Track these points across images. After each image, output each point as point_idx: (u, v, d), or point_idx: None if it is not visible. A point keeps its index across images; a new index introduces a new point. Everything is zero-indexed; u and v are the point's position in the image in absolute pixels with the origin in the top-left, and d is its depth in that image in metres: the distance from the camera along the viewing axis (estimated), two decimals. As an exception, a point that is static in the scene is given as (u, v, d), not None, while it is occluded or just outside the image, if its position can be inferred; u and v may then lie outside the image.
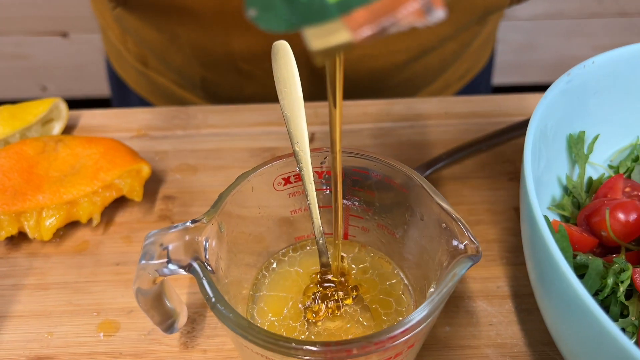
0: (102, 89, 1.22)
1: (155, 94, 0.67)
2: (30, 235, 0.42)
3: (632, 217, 0.35)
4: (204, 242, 0.29)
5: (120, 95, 0.73)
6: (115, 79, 0.72)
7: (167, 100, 0.66)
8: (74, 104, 1.23)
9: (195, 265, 0.28)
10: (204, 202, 0.45)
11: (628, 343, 0.24)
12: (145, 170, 0.44)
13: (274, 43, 0.33)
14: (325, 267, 0.34)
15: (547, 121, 0.34)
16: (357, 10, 0.19)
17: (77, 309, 0.39)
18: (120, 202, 0.45)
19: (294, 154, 0.33)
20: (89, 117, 0.53)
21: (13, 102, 1.28)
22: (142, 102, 0.69)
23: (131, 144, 0.50)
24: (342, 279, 0.34)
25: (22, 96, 1.21)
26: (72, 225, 0.44)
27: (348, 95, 0.59)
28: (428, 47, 0.57)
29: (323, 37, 0.18)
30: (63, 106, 0.51)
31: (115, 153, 0.43)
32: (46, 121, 0.50)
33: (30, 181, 0.42)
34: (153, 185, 0.46)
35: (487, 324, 0.37)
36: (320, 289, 0.33)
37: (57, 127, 0.50)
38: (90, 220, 0.43)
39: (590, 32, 1.17)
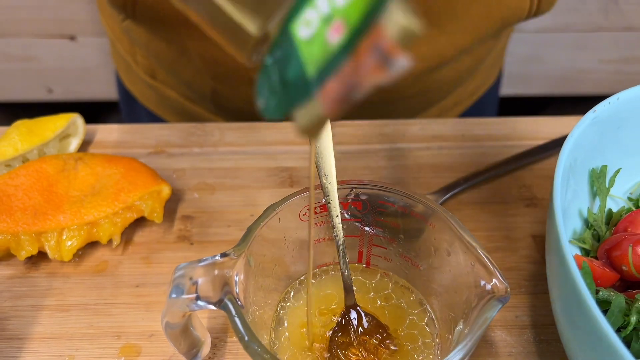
0: (108, 92, 1.22)
1: (164, 107, 0.67)
2: (50, 255, 0.42)
3: (653, 252, 0.35)
4: (235, 277, 0.29)
5: (130, 109, 0.73)
6: (124, 93, 0.72)
7: (176, 114, 0.66)
8: (79, 106, 1.23)
9: (227, 301, 0.28)
10: (223, 222, 0.46)
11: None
12: (166, 192, 0.44)
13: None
14: (349, 309, 0.34)
15: (575, 155, 0.35)
16: (330, 80, 0.20)
17: (98, 331, 0.39)
18: (139, 222, 0.45)
19: (321, 186, 0.33)
20: (106, 133, 0.53)
21: (19, 104, 1.28)
22: (151, 116, 0.69)
23: (148, 161, 0.50)
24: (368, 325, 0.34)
25: (28, 98, 1.21)
26: (91, 245, 0.44)
27: (360, 105, 0.59)
28: (445, 57, 0.56)
29: (306, 116, 0.20)
30: (80, 122, 0.51)
31: (136, 174, 0.43)
32: (63, 137, 0.50)
33: (50, 201, 0.42)
34: (171, 204, 0.47)
35: (506, 354, 0.37)
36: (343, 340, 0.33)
37: (74, 143, 0.50)
38: (110, 241, 0.43)
39: (596, 46, 1.17)
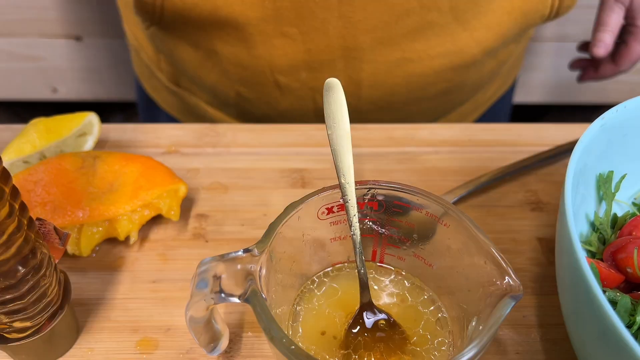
0: (112, 92, 1.23)
1: (187, 113, 0.68)
2: (69, 250, 0.42)
3: (657, 255, 0.36)
4: (259, 272, 0.30)
5: (149, 114, 0.73)
6: (144, 98, 0.73)
7: (197, 120, 0.67)
8: (84, 106, 1.24)
9: (252, 294, 0.29)
10: (236, 221, 0.47)
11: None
12: (183, 190, 0.45)
13: (327, 80, 0.34)
14: (365, 307, 0.35)
15: (584, 161, 0.36)
16: None
17: (115, 325, 0.40)
18: (155, 219, 0.46)
19: (339, 186, 0.35)
20: (120, 132, 0.54)
21: (23, 102, 1.28)
22: (172, 121, 0.70)
23: (162, 160, 0.51)
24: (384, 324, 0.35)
25: (33, 97, 1.21)
26: (109, 241, 0.44)
27: (385, 104, 0.60)
28: (468, 55, 0.57)
29: None
30: (96, 121, 0.52)
31: (154, 172, 0.44)
32: (79, 135, 0.51)
33: (69, 197, 0.43)
34: (186, 203, 0.47)
35: (514, 352, 0.39)
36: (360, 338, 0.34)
37: (90, 141, 0.51)
38: (127, 238, 0.44)
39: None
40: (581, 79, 0.72)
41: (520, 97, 1.26)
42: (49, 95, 1.20)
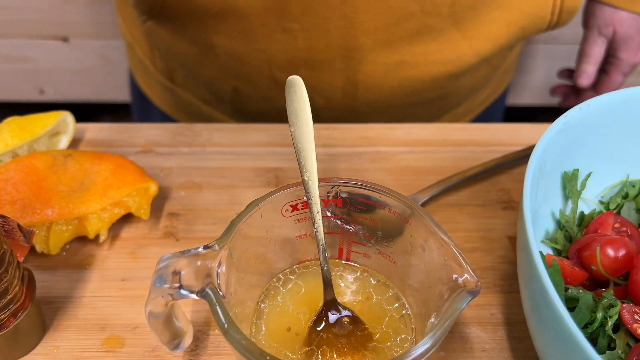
0: (99, 93, 1.23)
1: (180, 110, 0.68)
2: (38, 249, 0.42)
3: (621, 253, 0.37)
4: (217, 268, 0.31)
5: (143, 110, 0.74)
6: (138, 95, 0.73)
7: (191, 117, 0.67)
8: (71, 107, 1.23)
9: (209, 290, 0.29)
10: (208, 220, 0.47)
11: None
12: (153, 189, 0.45)
13: (289, 78, 0.35)
14: (328, 304, 0.35)
15: (545, 159, 0.36)
16: None
17: (83, 323, 0.40)
18: (126, 218, 0.46)
19: (302, 183, 0.35)
20: (95, 131, 0.54)
21: (10, 104, 1.28)
22: (165, 118, 0.70)
23: (137, 159, 0.51)
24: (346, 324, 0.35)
25: (20, 98, 1.21)
26: (79, 239, 0.44)
27: (381, 106, 0.60)
28: (466, 63, 0.57)
29: None
30: (70, 119, 0.52)
31: (124, 171, 0.44)
32: (53, 134, 0.51)
33: (39, 195, 0.43)
34: (158, 201, 0.48)
35: (480, 349, 0.39)
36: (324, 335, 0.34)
37: (64, 140, 0.51)
38: (97, 236, 0.44)
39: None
40: (562, 104, 0.76)
41: (513, 99, 1.27)
42: (37, 96, 1.20)
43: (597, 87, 0.70)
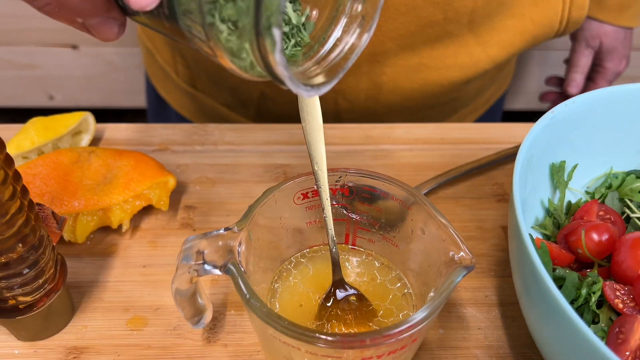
0: (107, 100, 1.26)
1: (200, 114, 0.71)
2: (65, 237, 0.46)
3: (604, 237, 0.40)
4: (238, 247, 0.34)
5: (159, 114, 0.77)
6: (155, 99, 0.76)
7: (211, 121, 0.70)
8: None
9: (230, 265, 0.33)
10: (222, 212, 0.50)
11: (599, 343, 0.29)
12: (172, 182, 0.48)
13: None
14: (337, 283, 0.38)
15: (532, 152, 0.40)
16: None
17: (108, 305, 0.43)
18: (146, 209, 0.49)
19: (313, 173, 0.38)
20: (114, 131, 0.58)
21: (20, 109, 1.32)
22: (183, 121, 0.73)
23: (154, 157, 0.54)
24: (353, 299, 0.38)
25: (30, 104, 1.25)
26: (102, 229, 0.48)
27: (400, 108, 0.64)
28: (480, 69, 0.61)
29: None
30: (91, 120, 0.56)
31: (145, 166, 0.48)
32: (76, 133, 0.55)
33: (65, 188, 0.46)
34: (175, 195, 0.51)
35: (476, 328, 0.42)
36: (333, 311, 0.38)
37: (85, 139, 0.55)
38: (119, 226, 0.47)
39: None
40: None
41: (509, 104, 1.30)
42: (46, 102, 1.24)
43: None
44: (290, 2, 0.30)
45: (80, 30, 0.31)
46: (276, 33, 0.23)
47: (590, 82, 0.76)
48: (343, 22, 0.30)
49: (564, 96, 0.79)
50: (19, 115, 1.33)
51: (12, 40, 1.14)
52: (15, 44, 1.15)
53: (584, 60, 0.73)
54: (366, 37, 0.29)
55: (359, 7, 0.29)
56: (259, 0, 0.23)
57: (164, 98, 0.74)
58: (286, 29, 0.29)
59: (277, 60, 0.24)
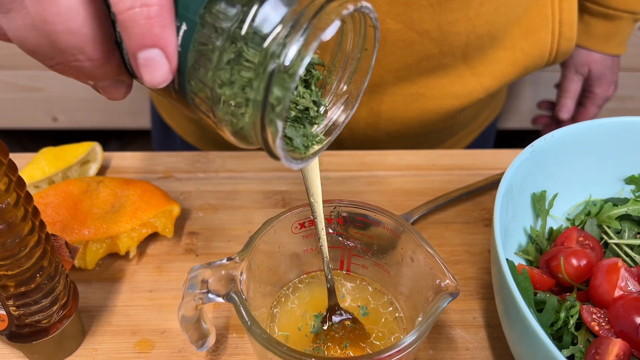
0: (109, 121, 1.29)
1: (204, 140, 0.74)
2: (76, 264, 0.48)
3: (583, 262, 0.43)
4: (239, 276, 0.36)
5: (165, 140, 0.80)
6: (160, 126, 0.79)
7: (215, 146, 0.72)
8: (82, 134, 1.29)
9: (233, 294, 0.35)
10: (224, 237, 0.53)
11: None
12: (176, 211, 0.51)
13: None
14: (332, 308, 0.41)
15: (514, 182, 0.42)
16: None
17: (116, 329, 0.45)
18: (152, 236, 0.52)
19: (309, 204, 0.41)
20: (120, 159, 0.60)
21: (25, 131, 1.34)
22: (187, 147, 0.76)
23: (159, 184, 0.57)
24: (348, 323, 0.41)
25: (34, 126, 1.28)
26: (110, 255, 0.50)
27: (399, 135, 0.67)
28: (474, 98, 0.65)
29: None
30: (99, 149, 0.58)
31: (151, 195, 0.50)
32: (84, 162, 0.57)
33: (76, 217, 0.49)
34: (179, 221, 0.53)
35: (464, 348, 0.45)
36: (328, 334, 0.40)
37: (93, 168, 0.58)
38: (127, 252, 0.50)
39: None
40: (544, 133, 0.84)
41: (502, 123, 1.34)
42: (50, 124, 1.27)
43: (575, 119, 0.79)
44: (304, 82, 0.32)
45: (88, 85, 0.32)
46: (279, 125, 0.26)
47: (580, 107, 0.80)
48: (329, 99, 0.33)
49: (555, 120, 0.83)
50: (24, 136, 1.36)
51: (17, 64, 1.18)
52: (20, 68, 1.18)
53: (574, 86, 0.77)
54: (349, 114, 0.32)
55: (344, 87, 0.32)
56: (266, 96, 0.26)
57: (168, 124, 0.77)
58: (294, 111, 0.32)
59: (277, 145, 0.27)
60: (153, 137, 0.86)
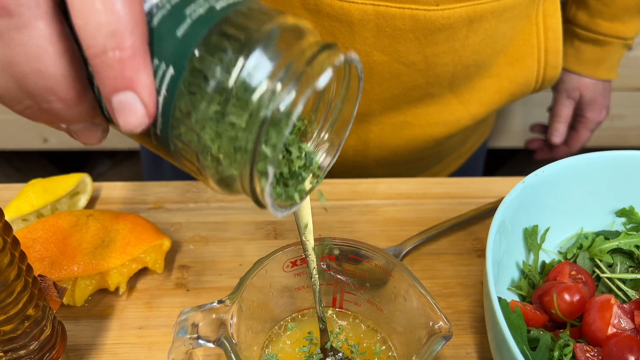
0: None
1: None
2: (64, 301, 0.47)
3: (576, 298, 0.43)
4: (230, 320, 0.36)
5: (154, 165, 0.79)
6: (150, 152, 0.79)
7: None
8: (71, 155, 1.28)
9: (224, 340, 0.35)
10: (215, 271, 0.52)
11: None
12: (167, 245, 0.50)
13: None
14: (325, 347, 0.41)
15: (505, 217, 0.42)
16: None
17: (106, 368, 0.45)
18: (142, 270, 0.51)
19: (301, 243, 0.40)
20: (110, 189, 0.60)
21: (15, 151, 1.33)
22: (176, 172, 0.75)
23: (149, 215, 0.56)
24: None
25: (25, 147, 1.27)
26: (100, 291, 0.50)
27: (388, 162, 0.67)
28: (462, 125, 0.65)
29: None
30: (88, 180, 0.58)
31: (140, 229, 0.50)
32: (74, 194, 0.57)
33: (65, 252, 0.48)
34: (170, 254, 0.53)
35: (457, 385, 0.44)
36: None
37: (83, 200, 0.57)
38: (116, 288, 0.49)
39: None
40: (538, 157, 0.86)
41: (493, 142, 1.34)
42: (40, 145, 1.26)
43: (568, 142, 0.80)
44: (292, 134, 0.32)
45: (61, 131, 0.30)
46: (270, 174, 0.26)
47: (572, 131, 0.80)
48: (312, 145, 0.33)
49: (548, 143, 0.83)
50: (15, 157, 1.35)
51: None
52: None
53: (566, 111, 0.78)
54: (332, 160, 0.32)
55: (326, 136, 0.32)
56: (256, 146, 0.25)
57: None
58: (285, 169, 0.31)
59: (266, 194, 0.26)
60: (143, 164, 0.85)
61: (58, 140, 1.25)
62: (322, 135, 0.32)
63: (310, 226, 0.40)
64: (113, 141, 1.29)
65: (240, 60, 0.25)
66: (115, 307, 0.49)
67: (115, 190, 0.60)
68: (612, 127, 1.31)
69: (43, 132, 1.24)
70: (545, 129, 0.85)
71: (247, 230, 0.56)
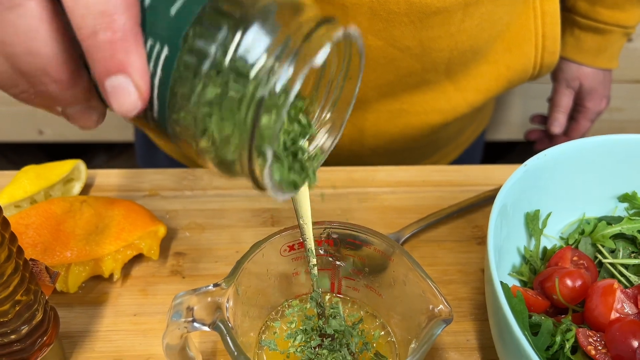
0: (95, 134, 1.28)
1: (189, 158, 0.73)
2: (57, 287, 0.47)
3: (578, 283, 0.42)
4: (226, 303, 0.35)
5: (149, 156, 0.78)
6: (144, 142, 0.78)
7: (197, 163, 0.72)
8: (67, 147, 1.27)
9: (219, 323, 0.34)
10: (211, 258, 0.51)
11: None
12: (162, 231, 0.49)
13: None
14: (322, 333, 0.40)
15: (507, 202, 0.42)
16: None
17: (99, 355, 0.44)
18: (137, 257, 0.50)
19: (298, 226, 0.40)
20: (105, 177, 0.59)
21: (11, 144, 1.32)
22: (171, 162, 0.74)
23: (144, 203, 0.56)
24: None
25: (20, 139, 1.26)
26: (94, 278, 0.49)
27: (384, 151, 0.66)
28: (458, 113, 0.64)
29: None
30: (83, 167, 0.57)
31: (135, 215, 0.49)
32: (67, 180, 0.56)
33: (58, 238, 0.48)
34: (165, 242, 0.52)
35: (457, 372, 0.43)
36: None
37: (77, 186, 0.56)
38: (111, 275, 0.48)
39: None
40: (537, 147, 0.85)
41: (491, 135, 1.34)
42: (36, 137, 1.25)
43: (568, 132, 0.79)
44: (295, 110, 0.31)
45: (58, 116, 0.30)
46: (268, 154, 0.25)
47: (572, 122, 0.79)
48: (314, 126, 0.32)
49: (548, 134, 0.83)
50: (10, 149, 1.34)
51: (2, 77, 1.16)
52: (5, 81, 1.16)
53: (565, 101, 0.77)
54: (334, 141, 0.31)
55: (327, 116, 0.31)
56: (254, 125, 0.24)
57: (153, 141, 0.76)
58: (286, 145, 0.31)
59: (265, 175, 0.26)
60: (137, 153, 0.84)
61: (53, 132, 1.24)
62: (324, 115, 0.32)
63: (308, 209, 0.39)
64: (109, 134, 1.28)
65: (236, 38, 0.25)
66: (110, 294, 0.48)
67: (110, 177, 0.59)
68: (611, 120, 1.30)
69: (38, 124, 1.23)
70: (544, 119, 0.84)
71: (243, 218, 0.55)
